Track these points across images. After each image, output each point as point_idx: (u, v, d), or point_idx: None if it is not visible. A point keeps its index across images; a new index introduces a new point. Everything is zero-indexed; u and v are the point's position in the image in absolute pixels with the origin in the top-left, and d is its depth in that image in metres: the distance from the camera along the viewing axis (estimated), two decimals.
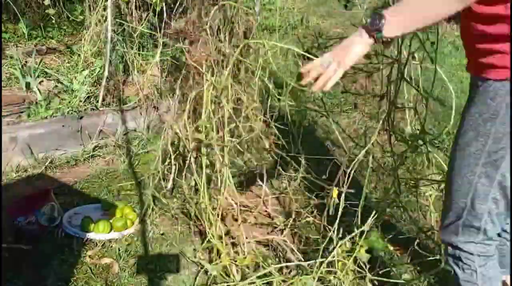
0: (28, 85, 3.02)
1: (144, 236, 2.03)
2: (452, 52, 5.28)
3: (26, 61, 3.23)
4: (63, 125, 2.67)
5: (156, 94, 3.12)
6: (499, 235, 1.27)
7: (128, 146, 2.79)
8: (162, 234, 2.06)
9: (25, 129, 2.58)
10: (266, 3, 6.58)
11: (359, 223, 1.70)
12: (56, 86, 3.09)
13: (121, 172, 2.57)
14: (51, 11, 3.46)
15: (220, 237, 1.81)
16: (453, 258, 1.29)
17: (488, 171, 1.15)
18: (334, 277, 1.64)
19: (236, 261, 1.75)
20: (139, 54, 3.24)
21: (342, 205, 1.71)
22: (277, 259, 1.88)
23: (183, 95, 2.58)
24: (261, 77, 1.94)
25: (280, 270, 1.78)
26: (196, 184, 1.99)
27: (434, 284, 1.78)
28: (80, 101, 2.89)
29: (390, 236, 1.95)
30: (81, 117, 2.76)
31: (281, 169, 2.33)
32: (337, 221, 1.68)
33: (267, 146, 2.06)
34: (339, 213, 1.70)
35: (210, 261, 1.81)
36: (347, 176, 1.71)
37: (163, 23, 2.95)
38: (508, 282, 1.41)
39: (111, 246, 1.94)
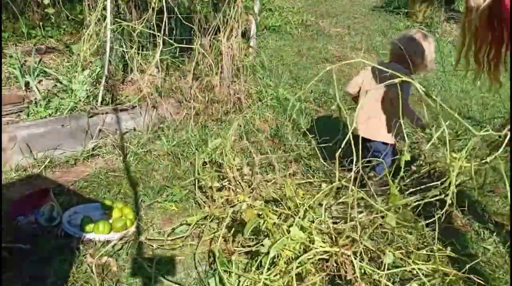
0: (27, 84, 3.02)
1: (142, 236, 2.03)
2: (452, 51, 5.28)
3: (25, 61, 3.23)
4: (62, 125, 2.67)
5: (156, 94, 3.13)
6: None
7: (126, 146, 2.79)
8: (161, 234, 2.06)
9: (24, 128, 2.58)
10: (266, 3, 6.59)
11: None
12: (56, 85, 3.09)
13: (121, 171, 2.57)
14: (50, 10, 3.46)
15: None
16: None
17: None
18: None
19: None
20: (138, 53, 3.24)
21: None
22: None
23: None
24: None
25: None
26: None
27: None
28: (80, 100, 2.89)
29: None
30: (82, 117, 2.76)
31: None
32: None
33: None
34: None
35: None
36: None
37: (163, 23, 2.95)
38: None
39: (111, 246, 1.94)
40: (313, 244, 1.69)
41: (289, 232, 1.73)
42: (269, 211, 1.85)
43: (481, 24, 1.57)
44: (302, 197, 2.05)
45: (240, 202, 1.91)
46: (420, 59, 2.27)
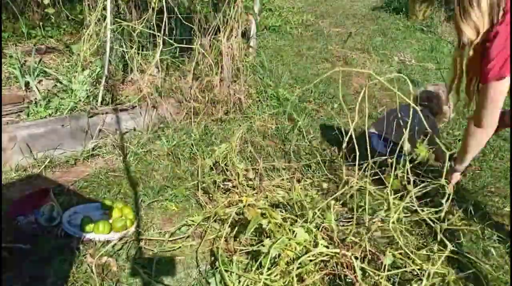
0: (27, 84, 3.02)
1: (142, 236, 2.03)
2: (452, 51, 5.28)
3: (25, 61, 3.23)
4: (62, 125, 2.67)
5: (156, 94, 3.13)
6: None
7: (126, 146, 2.79)
8: (161, 234, 2.06)
9: (24, 128, 2.57)
10: (266, 3, 6.58)
11: None
12: (56, 85, 3.09)
13: (121, 171, 2.56)
14: (50, 10, 3.46)
15: None
16: None
17: None
18: None
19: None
20: (138, 53, 3.24)
21: None
22: None
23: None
24: None
25: None
26: None
27: None
28: (80, 100, 2.89)
29: None
30: (82, 117, 2.75)
31: None
32: None
33: None
34: None
35: None
36: None
37: (163, 23, 2.95)
38: None
39: (111, 246, 1.94)
40: (316, 247, 1.69)
41: (292, 232, 1.73)
42: (273, 211, 1.85)
43: (473, 59, 1.64)
44: (312, 198, 2.06)
45: (244, 203, 1.91)
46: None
